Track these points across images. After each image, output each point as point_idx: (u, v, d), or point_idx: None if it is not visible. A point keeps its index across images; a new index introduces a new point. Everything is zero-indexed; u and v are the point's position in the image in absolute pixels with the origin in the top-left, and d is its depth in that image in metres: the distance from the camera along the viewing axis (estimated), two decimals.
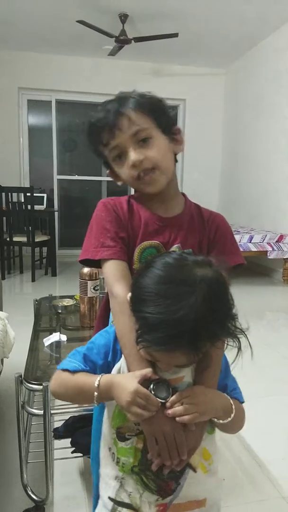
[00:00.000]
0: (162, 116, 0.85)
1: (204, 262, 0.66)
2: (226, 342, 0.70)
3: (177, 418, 0.67)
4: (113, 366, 0.77)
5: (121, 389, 0.69)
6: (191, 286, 0.61)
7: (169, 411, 0.68)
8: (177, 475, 0.73)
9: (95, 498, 0.91)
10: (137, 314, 0.66)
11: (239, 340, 0.68)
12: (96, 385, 0.71)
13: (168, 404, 0.68)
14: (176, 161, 0.91)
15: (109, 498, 0.76)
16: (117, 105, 0.82)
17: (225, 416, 0.73)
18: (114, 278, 0.82)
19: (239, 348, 0.69)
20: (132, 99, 0.82)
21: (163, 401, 0.68)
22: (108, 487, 0.77)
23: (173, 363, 0.68)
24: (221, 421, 0.73)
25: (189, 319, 0.59)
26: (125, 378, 0.70)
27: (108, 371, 0.77)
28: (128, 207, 0.89)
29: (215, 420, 0.73)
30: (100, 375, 0.73)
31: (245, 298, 3.84)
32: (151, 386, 0.69)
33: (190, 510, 0.75)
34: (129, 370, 0.73)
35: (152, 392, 0.68)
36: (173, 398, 0.68)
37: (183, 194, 0.95)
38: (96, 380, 0.72)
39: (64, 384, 0.77)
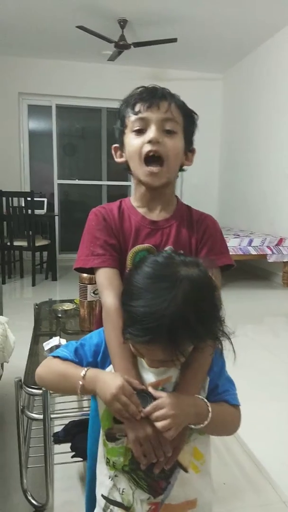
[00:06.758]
0: (191, 126, 0.91)
1: (192, 262, 0.68)
2: (217, 345, 0.70)
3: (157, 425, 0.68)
4: (101, 367, 0.79)
5: (106, 383, 0.70)
6: (173, 282, 0.63)
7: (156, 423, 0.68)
8: (167, 474, 0.73)
9: (88, 493, 0.92)
10: (125, 307, 0.69)
11: (221, 344, 0.70)
12: (82, 375, 0.73)
13: (142, 415, 0.68)
14: (183, 170, 0.95)
15: (102, 495, 0.78)
16: (166, 91, 0.88)
17: (199, 421, 0.71)
18: (103, 286, 0.85)
19: (222, 352, 0.71)
20: (178, 98, 0.89)
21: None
22: (102, 485, 0.79)
23: (152, 358, 0.69)
24: (193, 426, 0.71)
25: (167, 314, 0.61)
26: (111, 375, 0.72)
27: None
28: (119, 213, 0.91)
29: (188, 425, 0.72)
30: (87, 368, 0.75)
31: (245, 302, 3.84)
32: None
33: (182, 511, 0.75)
34: None
35: None
36: (147, 409, 0.68)
37: (176, 196, 0.97)
38: (83, 370, 0.74)
39: (51, 369, 0.79)
